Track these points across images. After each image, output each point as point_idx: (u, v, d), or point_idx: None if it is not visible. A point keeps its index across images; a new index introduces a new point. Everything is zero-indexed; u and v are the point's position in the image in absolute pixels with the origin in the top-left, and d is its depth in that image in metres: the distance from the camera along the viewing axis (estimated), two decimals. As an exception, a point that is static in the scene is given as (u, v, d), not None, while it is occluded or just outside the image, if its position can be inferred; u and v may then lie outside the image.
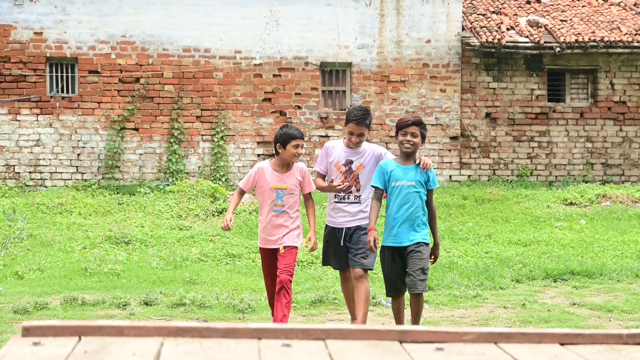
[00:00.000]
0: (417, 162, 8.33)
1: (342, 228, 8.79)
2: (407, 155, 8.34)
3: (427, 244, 8.27)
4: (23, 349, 2.60)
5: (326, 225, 9.03)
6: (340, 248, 8.78)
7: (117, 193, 19.19)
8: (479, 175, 21.56)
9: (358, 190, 8.78)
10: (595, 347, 2.88)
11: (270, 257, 8.83)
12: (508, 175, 21.65)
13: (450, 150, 21.45)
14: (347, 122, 8.75)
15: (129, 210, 17.74)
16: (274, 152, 8.94)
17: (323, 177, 8.95)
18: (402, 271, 8.24)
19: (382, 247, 8.44)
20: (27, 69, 20.08)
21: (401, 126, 8.33)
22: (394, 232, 8.26)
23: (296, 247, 8.85)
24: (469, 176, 21.53)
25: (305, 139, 20.60)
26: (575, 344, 2.91)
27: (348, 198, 8.78)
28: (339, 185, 8.59)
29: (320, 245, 9.33)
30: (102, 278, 12.23)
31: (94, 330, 2.81)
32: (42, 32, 20.12)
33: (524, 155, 21.79)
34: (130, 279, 12.18)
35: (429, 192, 8.36)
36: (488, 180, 21.43)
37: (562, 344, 2.91)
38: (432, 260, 8.34)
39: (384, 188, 8.35)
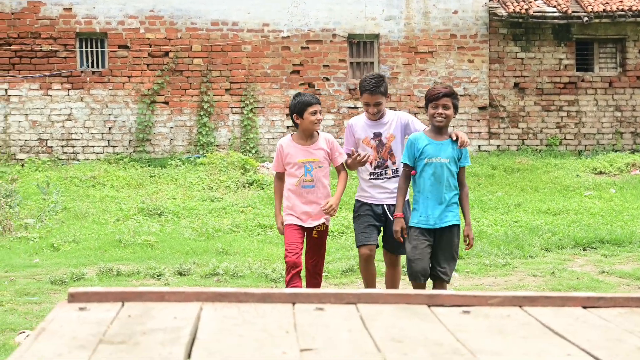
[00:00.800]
0: (453, 137, 7.59)
1: (382, 205, 8.11)
2: (439, 129, 7.62)
3: (458, 226, 7.66)
4: (70, 314, 2.74)
5: (359, 201, 8.26)
6: (375, 224, 8.09)
7: (149, 166, 19.39)
8: (508, 145, 21.58)
9: (394, 163, 8.11)
10: (616, 309, 2.99)
11: (299, 234, 8.01)
12: (537, 145, 21.66)
13: (478, 121, 21.48)
14: (361, 93, 8.10)
15: (160, 182, 17.93)
16: (293, 125, 8.11)
17: None
18: (429, 253, 7.57)
19: (409, 227, 7.66)
20: (58, 45, 20.26)
21: (431, 98, 7.62)
22: (424, 212, 7.57)
23: (328, 228, 8.26)
24: (498, 146, 21.55)
25: (334, 110, 20.75)
26: (598, 307, 3.02)
27: (385, 173, 8.14)
28: (362, 156, 7.88)
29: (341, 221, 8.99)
30: (136, 249, 12.41)
31: (136, 296, 2.95)
32: (71, 8, 20.28)
33: (553, 124, 21.78)
34: (163, 249, 12.36)
35: (461, 170, 7.68)
36: (517, 150, 21.46)
37: (584, 307, 3.02)
38: (467, 245, 7.73)
39: (413, 165, 7.63)
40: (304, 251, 8.11)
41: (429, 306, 2.96)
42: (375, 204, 8.15)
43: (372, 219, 8.10)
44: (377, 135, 8.14)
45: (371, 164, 8.11)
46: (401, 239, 7.62)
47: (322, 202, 8.03)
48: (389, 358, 2.29)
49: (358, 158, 7.85)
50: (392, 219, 7.88)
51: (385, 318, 2.79)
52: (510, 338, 2.55)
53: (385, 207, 8.11)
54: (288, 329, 2.60)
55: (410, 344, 2.46)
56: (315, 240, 8.11)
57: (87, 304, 2.87)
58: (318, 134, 8.20)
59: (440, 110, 7.54)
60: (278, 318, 2.76)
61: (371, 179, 8.18)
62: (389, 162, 8.13)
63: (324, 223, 8.10)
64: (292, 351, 2.34)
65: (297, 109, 7.99)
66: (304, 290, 3.07)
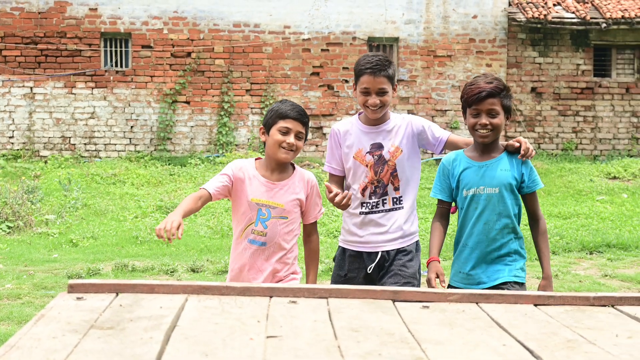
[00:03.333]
0: (514, 145, 5.27)
1: (376, 252, 5.60)
2: (485, 146, 5.28)
3: (521, 284, 5.28)
4: (68, 302, 3.07)
5: (341, 248, 5.76)
6: (365, 281, 5.59)
7: (169, 164, 19.76)
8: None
9: (397, 189, 5.61)
10: (564, 307, 3.29)
11: None
12: (553, 149, 21.89)
13: (495, 124, 21.70)
14: (358, 77, 5.52)
15: (179, 181, 18.28)
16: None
17: (338, 180, 5.73)
18: None
19: (449, 286, 5.37)
20: (83, 44, 20.67)
21: (471, 100, 5.18)
22: (467, 266, 5.29)
23: None
24: (514, 150, 21.75)
25: (352, 112, 21.04)
26: (547, 304, 3.32)
27: (384, 204, 5.60)
28: (340, 197, 5.27)
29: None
30: (152, 246, 12.76)
31: (129, 288, 3.29)
32: (96, 8, 20.68)
33: (569, 129, 22.01)
34: (179, 247, 12.69)
35: (530, 197, 5.27)
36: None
37: (535, 305, 3.32)
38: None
39: (451, 200, 5.43)
40: None
41: (394, 301, 3.27)
42: (367, 252, 5.64)
43: (361, 276, 5.64)
44: (377, 148, 5.63)
45: (364, 189, 5.63)
46: (436, 286, 5.09)
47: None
48: (342, 345, 2.59)
49: (337, 199, 5.26)
50: (387, 271, 5.59)
51: (350, 311, 3.11)
52: (456, 330, 2.86)
53: (381, 254, 5.60)
54: (260, 319, 2.92)
55: (366, 333, 2.77)
56: None
57: (84, 294, 3.21)
58: (293, 167, 5.43)
59: (483, 120, 5.16)
60: (254, 309, 3.08)
61: (363, 212, 5.62)
62: (389, 188, 5.62)
63: None
64: (259, 338, 2.65)
65: (267, 119, 5.33)
66: (280, 285, 3.39)
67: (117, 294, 3.24)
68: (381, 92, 5.45)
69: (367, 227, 5.59)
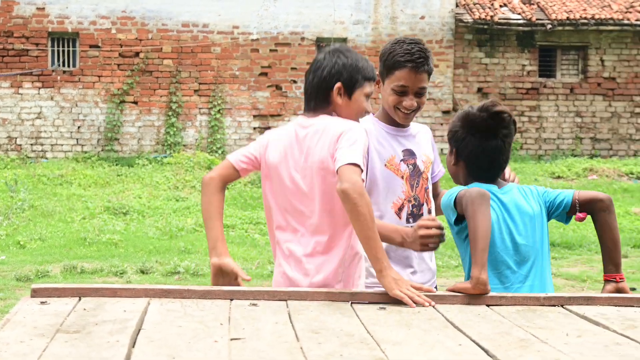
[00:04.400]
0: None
1: None
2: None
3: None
4: (32, 307, 3.13)
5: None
6: None
7: (116, 165, 19.70)
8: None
9: (430, 211, 4.46)
10: (515, 307, 3.41)
11: None
12: (499, 149, 22.11)
13: (442, 124, 21.93)
14: (393, 69, 4.20)
15: (127, 181, 18.24)
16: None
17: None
18: None
19: None
20: (30, 44, 20.54)
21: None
22: None
23: None
24: (461, 150, 21.99)
25: (300, 112, 21.13)
26: (500, 305, 3.44)
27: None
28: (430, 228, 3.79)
29: None
30: (100, 247, 12.73)
31: (92, 292, 3.35)
32: (44, 7, 20.56)
33: (515, 129, 22.25)
34: (127, 248, 12.68)
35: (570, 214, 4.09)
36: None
37: (488, 305, 3.43)
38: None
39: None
40: None
41: (351, 303, 3.36)
42: None
43: None
44: (409, 155, 4.41)
45: (400, 209, 4.33)
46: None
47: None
48: (304, 346, 2.68)
49: (423, 232, 3.80)
50: None
51: (310, 313, 3.19)
52: (413, 331, 2.96)
53: None
54: (223, 322, 3.00)
55: (326, 334, 2.85)
56: None
57: (48, 298, 3.27)
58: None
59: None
60: (215, 312, 3.16)
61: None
62: (424, 209, 4.43)
63: None
64: (223, 340, 2.72)
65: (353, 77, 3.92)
66: (241, 288, 3.47)
67: (80, 298, 3.30)
68: (420, 93, 4.24)
69: (395, 264, 4.06)
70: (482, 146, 3.99)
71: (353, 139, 3.71)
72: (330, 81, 3.87)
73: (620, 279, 3.84)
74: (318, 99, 3.91)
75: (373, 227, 3.51)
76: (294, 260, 3.87)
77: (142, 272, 11.10)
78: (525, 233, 3.96)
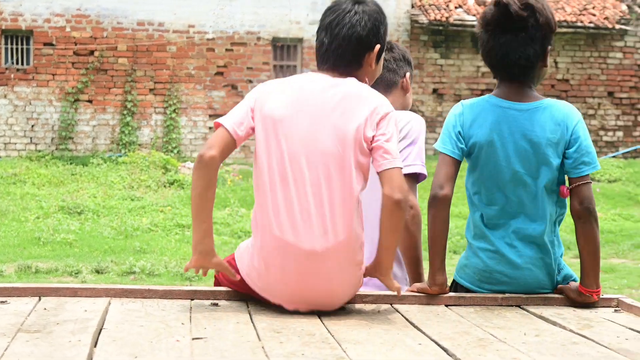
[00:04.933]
0: None
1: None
2: None
3: None
4: (-8, 306, 3.12)
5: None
6: None
7: (71, 164, 19.56)
8: (426, 150, 22.14)
9: None
10: (473, 307, 3.45)
11: None
12: (453, 150, 22.27)
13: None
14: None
15: (81, 180, 18.12)
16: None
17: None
18: None
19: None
20: (-18, 41, 20.35)
21: None
22: None
23: None
24: (416, 150, 22.11)
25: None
26: (458, 305, 3.48)
27: None
28: None
29: None
30: (55, 247, 12.64)
31: (52, 292, 3.34)
32: (-3, 4, 20.38)
33: (469, 130, 22.42)
34: (82, 248, 12.61)
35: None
36: (433, 155, 22.04)
37: (447, 305, 3.47)
38: None
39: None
40: None
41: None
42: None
43: None
44: None
45: None
46: None
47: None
48: (266, 346, 2.70)
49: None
50: None
51: (270, 312, 3.21)
52: (374, 330, 2.99)
53: None
54: (184, 321, 3.01)
55: (287, 334, 2.87)
56: None
57: (7, 298, 3.26)
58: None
59: None
60: (176, 312, 3.17)
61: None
62: None
63: None
64: (185, 339, 2.73)
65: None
66: (201, 287, 3.47)
67: (40, 298, 3.30)
68: None
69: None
70: (491, 42, 3.60)
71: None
72: (370, 41, 3.36)
73: (597, 295, 3.53)
74: (352, 58, 3.34)
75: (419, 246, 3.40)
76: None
77: (98, 272, 11.04)
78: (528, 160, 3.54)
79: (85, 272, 10.90)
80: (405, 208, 3.21)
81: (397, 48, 4.22)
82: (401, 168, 3.21)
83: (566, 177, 3.62)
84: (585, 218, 3.52)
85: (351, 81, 3.31)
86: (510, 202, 3.58)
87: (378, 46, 3.36)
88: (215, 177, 3.22)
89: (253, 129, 3.26)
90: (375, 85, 3.63)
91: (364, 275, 3.31)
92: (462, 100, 3.75)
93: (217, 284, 3.61)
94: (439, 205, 3.53)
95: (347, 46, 3.31)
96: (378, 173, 3.21)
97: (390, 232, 3.20)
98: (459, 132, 3.63)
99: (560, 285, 3.62)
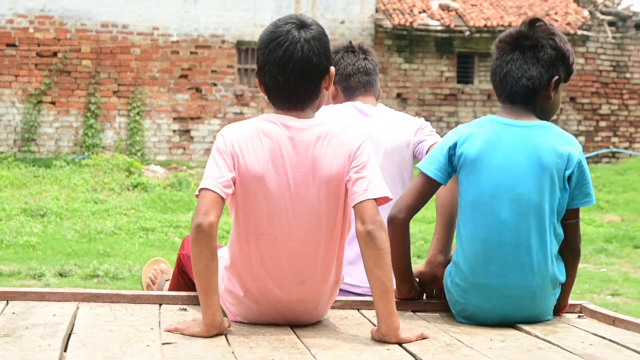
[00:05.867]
0: None
1: None
2: None
3: None
4: (-41, 311, 3.11)
5: None
6: None
7: (33, 166, 19.44)
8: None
9: None
10: (439, 313, 3.49)
11: None
12: (417, 154, 22.37)
13: (361, 129, 22.07)
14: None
15: (44, 183, 18.01)
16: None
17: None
18: None
19: None
20: (-56, 41, 20.18)
21: None
22: None
23: None
24: (380, 154, 22.19)
25: (220, 115, 21.12)
26: (425, 311, 3.52)
27: None
28: None
29: None
30: (17, 250, 12.56)
31: (20, 296, 3.34)
32: (-41, 5, 20.23)
33: (433, 135, 22.52)
34: (45, 251, 12.54)
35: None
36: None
37: (413, 311, 3.51)
38: None
39: None
40: None
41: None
42: None
43: None
44: None
45: None
46: None
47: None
48: (235, 351, 2.72)
49: None
50: None
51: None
52: (343, 335, 3.02)
53: None
54: (153, 326, 3.02)
55: (257, 339, 2.90)
56: None
57: (-25, 301, 3.25)
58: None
59: None
60: (146, 316, 3.18)
61: None
62: None
63: None
64: (155, 344, 2.74)
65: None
66: (169, 292, 3.49)
67: (8, 302, 3.30)
68: None
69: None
70: (498, 60, 3.48)
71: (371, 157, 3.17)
72: (325, 67, 3.18)
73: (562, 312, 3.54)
74: (312, 90, 3.18)
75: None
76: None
77: (61, 275, 10.98)
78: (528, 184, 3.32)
79: (48, 275, 10.84)
80: (383, 241, 2.99)
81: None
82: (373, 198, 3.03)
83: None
84: (574, 258, 3.47)
85: (319, 123, 3.15)
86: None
87: (332, 69, 3.21)
88: (215, 243, 2.97)
89: (234, 183, 3.06)
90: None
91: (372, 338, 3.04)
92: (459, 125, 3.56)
93: (179, 265, 3.53)
94: (397, 229, 3.38)
95: (305, 80, 3.14)
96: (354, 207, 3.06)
97: (378, 270, 2.98)
98: (451, 153, 3.42)
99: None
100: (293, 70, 3.09)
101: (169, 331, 2.95)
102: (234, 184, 3.07)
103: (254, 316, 3.17)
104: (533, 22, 3.48)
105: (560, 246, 3.41)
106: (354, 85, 4.24)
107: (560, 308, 3.52)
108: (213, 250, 2.94)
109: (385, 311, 2.93)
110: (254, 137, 3.10)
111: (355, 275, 3.91)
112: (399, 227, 3.39)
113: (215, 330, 2.93)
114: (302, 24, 3.14)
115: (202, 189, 3.00)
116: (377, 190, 3.03)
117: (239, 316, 3.20)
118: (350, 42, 4.38)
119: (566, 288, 3.49)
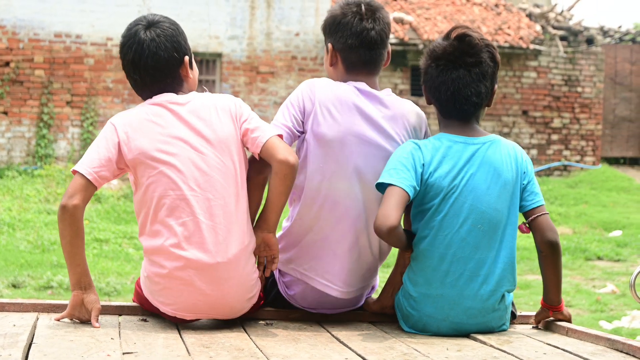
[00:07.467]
0: None
1: None
2: None
3: None
4: None
5: None
6: None
7: (-15, 176, 19.28)
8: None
9: None
10: (397, 324, 3.54)
11: None
12: (371, 166, 22.47)
13: (316, 141, 22.13)
14: None
15: (-4, 193, 17.87)
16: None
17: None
18: None
19: None
20: None
21: None
22: None
23: None
24: (334, 166, 22.26)
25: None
26: (383, 322, 3.57)
27: None
28: None
29: None
30: (-31, 261, 12.47)
31: (-21, 306, 3.34)
32: None
33: (387, 147, 22.64)
34: (-3, 262, 12.45)
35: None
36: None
37: (371, 322, 3.56)
38: None
39: None
40: None
41: (240, 319, 3.43)
42: None
43: None
44: None
45: None
46: None
47: None
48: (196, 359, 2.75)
49: None
50: None
51: (198, 328, 3.26)
52: (301, 345, 3.06)
53: None
54: (113, 336, 3.04)
55: (217, 349, 2.93)
56: None
57: None
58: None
59: None
60: (106, 327, 3.20)
61: None
62: None
63: None
64: (116, 354, 2.76)
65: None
66: (129, 303, 3.51)
67: (-33, 313, 3.30)
68: None
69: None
70: (441, 77, 3.49)
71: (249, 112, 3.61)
72: (176, 58, 3.50)
73: (554, 310, 3.63)
74: (171, 81, 3.51)
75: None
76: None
77: (14, 286, 10.91)
78: (493, 198, 3.41)
79: (1, 287, 10.76)
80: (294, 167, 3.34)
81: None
82: (279, 135, 3.47)
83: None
84: (553, 250, 3.51)
85: (193, 95, 3.51)
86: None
87: (186, 57, 3.53)
88: (81, 222, 3.24)
89: (112, 171, 3.34)
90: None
91: (255, 232, 3.40)
92: (410, 140, 3.60)
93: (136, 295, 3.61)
94: (390, 235, 3.29)
95: (159, 75, 3.47)
96: (260, 151, 3.39)
97: (282, 195, 3.33)
98: (420, 171, 3.41)
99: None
100: (145, 68, 3.45)
101: (58, 320, 3.24)
102: (115, 167, 3.36)
103: (178, 298, 3.27)
104: (463, 37, 3.50)
105: (536, 242, 3.50)
106: (355, 60, 3.86)
107: (552, 306, 3.63)
108: (77, 229, 3.23)
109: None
110: (143, 121, 3.48)
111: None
112: (390, 233, 3.26)
113: (81, 294, 3.22)
114: (149, 24, 3.46)
115: (74, 171, 3.29)
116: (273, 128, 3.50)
117: (170, 305, 3.29)
118: (360, 3, 3.76)
119: (552, 285, 3.58)
